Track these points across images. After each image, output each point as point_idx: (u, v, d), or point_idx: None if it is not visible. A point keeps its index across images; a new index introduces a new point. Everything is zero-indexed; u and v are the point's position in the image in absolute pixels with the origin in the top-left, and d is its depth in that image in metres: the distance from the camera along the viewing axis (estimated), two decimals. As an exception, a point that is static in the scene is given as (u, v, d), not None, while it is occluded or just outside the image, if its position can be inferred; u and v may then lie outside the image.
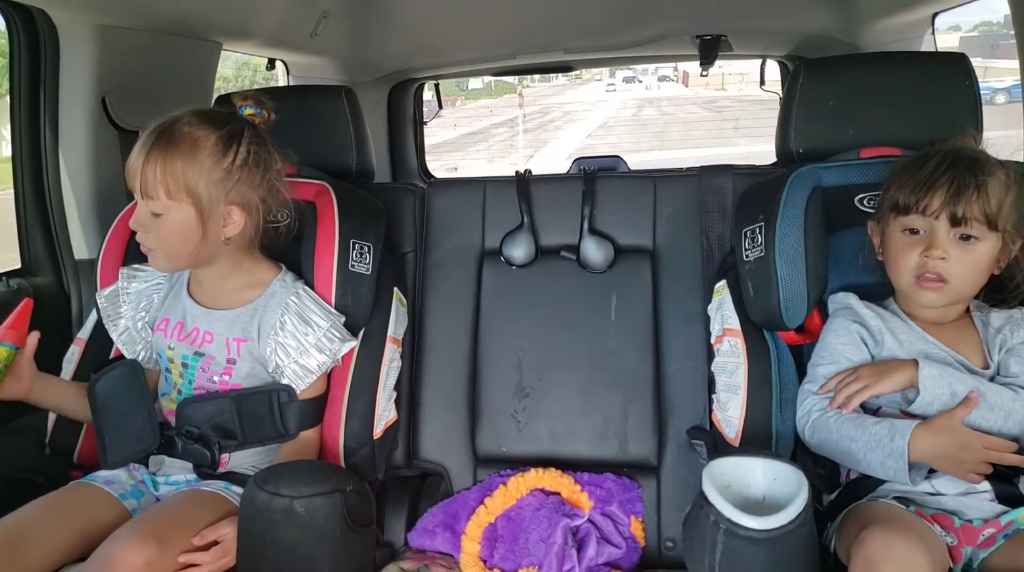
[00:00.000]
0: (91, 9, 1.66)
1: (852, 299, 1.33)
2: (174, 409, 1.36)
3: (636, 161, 2.94)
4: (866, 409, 1.25)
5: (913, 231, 1.24)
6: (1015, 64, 1.72)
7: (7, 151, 1.76)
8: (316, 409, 1.42)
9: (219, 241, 1.32)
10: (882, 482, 1.21)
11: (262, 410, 1.36)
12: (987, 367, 1.24)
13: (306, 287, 1.42)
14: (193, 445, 1.34)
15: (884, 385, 1.20)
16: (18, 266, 1.80)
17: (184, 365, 1.38)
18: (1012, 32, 1.66)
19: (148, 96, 1.85)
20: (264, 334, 1.36)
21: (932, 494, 1.19)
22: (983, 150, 1.28)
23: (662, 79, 40.20)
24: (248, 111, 1.37)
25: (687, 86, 38.25)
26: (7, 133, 1.75)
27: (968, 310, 1.30)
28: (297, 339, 1.35)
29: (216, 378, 1.37)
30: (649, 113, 28.49)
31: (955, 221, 1.20)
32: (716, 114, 25.70)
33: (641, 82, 40.37)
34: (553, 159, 14.87)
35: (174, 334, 1.39)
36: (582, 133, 22.84)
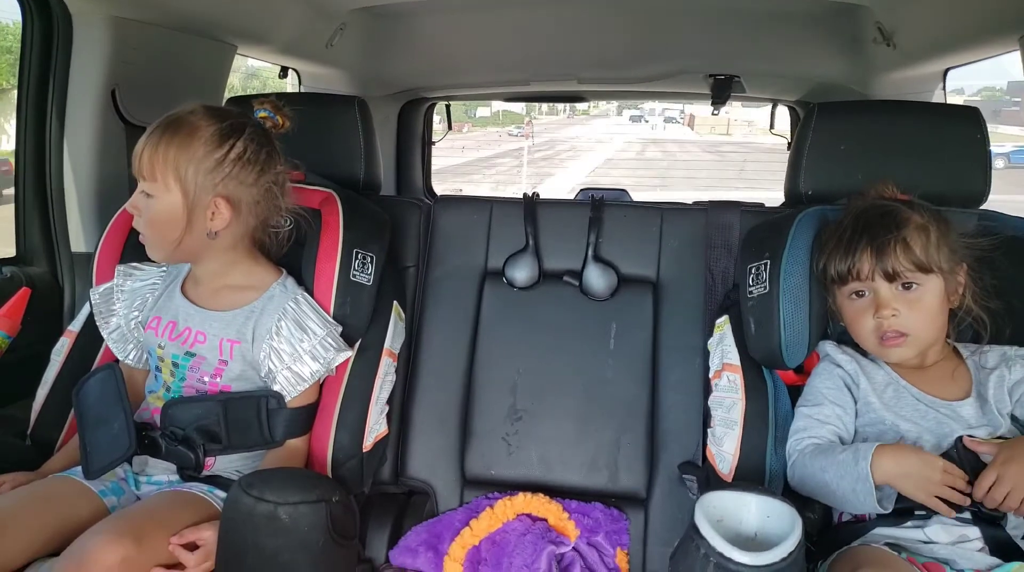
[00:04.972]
0: (107, 0, 1.66)
1: (829, 346, 1.36)
2: (161, 407, 1.34)
3: (638, 198, 2.97)
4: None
5: (859, 294, 1.27)
6: (1015, 130, 1.73)
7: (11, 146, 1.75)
8: (305, 418, 1.39)
9: (204, 234, 1.31)
10: (874, 526, 1.20)
11: (249, 415, 1.33)
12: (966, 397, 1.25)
13: (305, 294, 1.40)
14: (177, 447, 1.31)
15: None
16: (13, 254, 1.79)
17: (175, 365, 1.36)
18: (1013, 99, 1.67)
19: (159, 92, 1.84)
20: (259, 337, 1.34)
21: (925, 542, 1.17)
22: (893, 198, 1.32)
23: (668, 120, 40.66)
24: (262, 114, 1.38)
25: (692, 129, 38.65)
26: (11, 128, 1.74)
27: (957, 352, 1.32)
28: (292, 345, 1.34)
29: (207, 379, 1.35)
30: (653, 153, 28.73)
31: (889, 277, 1.23)
32: (719, 158, 25.93)
33: (647, 122, 40.80)
34: (556, 191, 14.93)
35: (165, 333, 1.37)
36: (586, 168, 23.04)
